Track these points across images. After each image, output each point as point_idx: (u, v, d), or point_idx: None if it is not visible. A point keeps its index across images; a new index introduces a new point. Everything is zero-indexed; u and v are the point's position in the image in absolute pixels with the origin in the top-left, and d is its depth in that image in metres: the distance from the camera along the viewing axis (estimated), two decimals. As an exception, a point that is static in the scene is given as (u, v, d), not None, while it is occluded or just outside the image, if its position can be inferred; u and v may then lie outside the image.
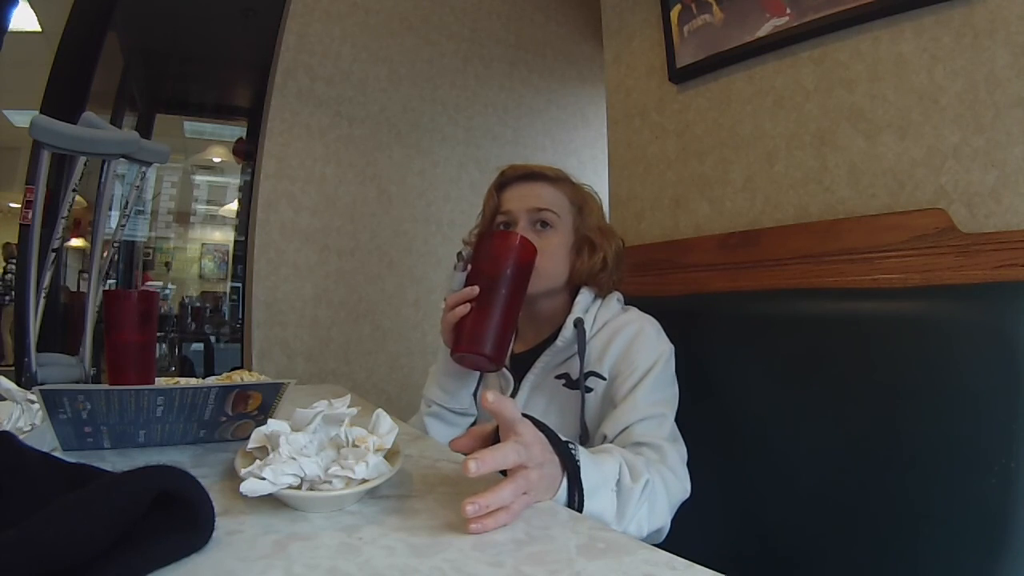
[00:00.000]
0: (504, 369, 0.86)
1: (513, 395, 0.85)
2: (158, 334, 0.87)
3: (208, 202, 4.93)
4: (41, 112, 1.55)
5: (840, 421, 0.77)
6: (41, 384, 0.56)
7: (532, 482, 0.48)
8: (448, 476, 0.57)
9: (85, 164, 1.02)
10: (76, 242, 3.91)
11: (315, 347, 2.02)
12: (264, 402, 0.63)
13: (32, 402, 0.61)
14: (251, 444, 0.50)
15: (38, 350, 0.99)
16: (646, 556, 0.40)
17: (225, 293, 4.94)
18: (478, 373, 0.87)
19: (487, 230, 0.89)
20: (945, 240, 0.80)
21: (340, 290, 2.08)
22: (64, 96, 2.16)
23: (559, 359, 0.83)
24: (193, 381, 0.65)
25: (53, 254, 1.04)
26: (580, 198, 0.89)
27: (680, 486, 0.70)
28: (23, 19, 2.93)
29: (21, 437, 0.44)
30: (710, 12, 1.21)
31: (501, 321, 0.75)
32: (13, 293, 5.05)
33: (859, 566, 0.72)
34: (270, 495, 0.44)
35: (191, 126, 4.51)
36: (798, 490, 0.79)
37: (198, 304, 4.71)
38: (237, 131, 3.87)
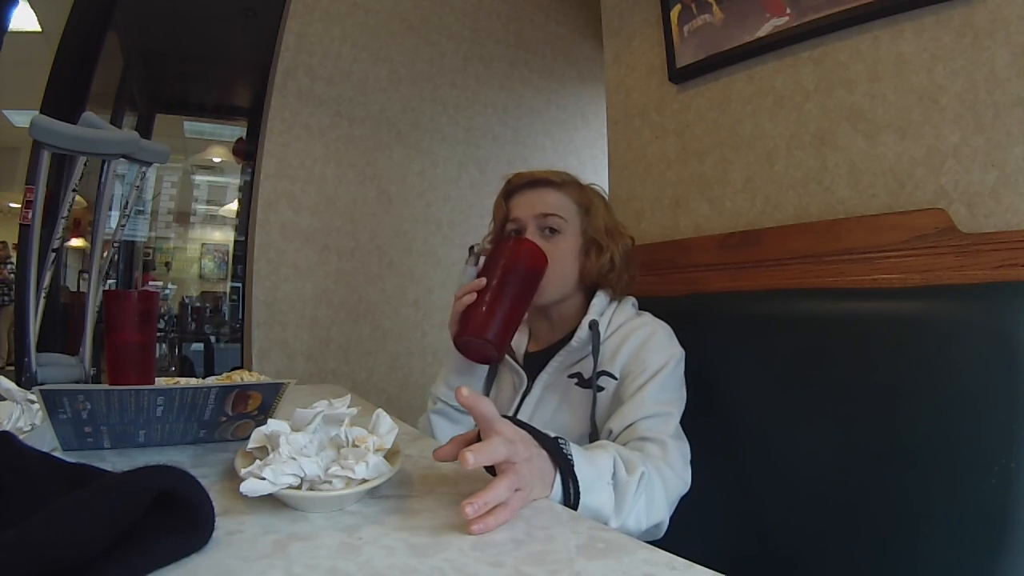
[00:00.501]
0: (518, 367, 0.89)
1: (527, 393, 0.87)
2: (158, 334, 0.87)
3: (208, 202, 4.93)
4: (41, 112, 1.55)
5: (840, 421, 0.77)
6: (41, 384, 0.56)
7: (523, 477, 0.48)
8: (448, 476, 0.57)
9: (85, 164, 1.02)
10: (76, 242, 3.91)
11: (315, 347, 2.02)
12: (264, 402, 0.63)
13: (32, 402, 0.61)
14: (251, 444, 0.50)
15: (38, 350, 0.99)
16: (646, 556, 0.40)
17: (225, 293, 4.94)
18: (484, 372, 0.89)
19: (499, 237, 0.91)
20: (945, 240, 0.80)
21: (340, 290, 2.08)
22: (64, 96, 2.16)
23: (573, 359, 0.85)
24: (193, 381, 0.65)
25: (53, 254, 1.04)
26: (586, 199, 0.90)
27: (678, 480, 0.70)
28: (23, 19, 2.93)
29: (21, 437, 0.44)
30: (710, 12, 1.21)
31: (506, 313, 0.77)
32: (12, 293, 5.05)
33: (859, 566, 0.72)
34: (270, 495, 0.44)
35: (191, 126, 4.51)
36: (798, 490, 0.79)
37: (198, 304, 4.72)
38: (237, 131, 3.86)
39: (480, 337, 0.75)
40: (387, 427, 0.52)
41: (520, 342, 0.93)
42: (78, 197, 1.07)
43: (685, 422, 0.77)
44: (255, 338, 1.92)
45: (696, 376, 0.82)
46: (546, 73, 2.68)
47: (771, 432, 0.83)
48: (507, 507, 0.45)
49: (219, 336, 4.20)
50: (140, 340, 0.71)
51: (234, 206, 4.67)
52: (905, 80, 0.93)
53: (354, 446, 0.50)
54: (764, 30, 1.11)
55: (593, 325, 0.83)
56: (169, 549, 0.36)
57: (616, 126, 1.48)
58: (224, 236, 5.12)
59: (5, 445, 0.41)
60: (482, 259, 0.85)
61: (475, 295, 0.79)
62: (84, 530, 0.32)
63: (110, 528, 0.33)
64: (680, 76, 1.28)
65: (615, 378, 0.80)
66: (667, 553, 0.40)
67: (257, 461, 0.46)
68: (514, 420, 0.54)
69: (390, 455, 0.51)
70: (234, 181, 4.68)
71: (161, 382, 0.72)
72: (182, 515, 0.37)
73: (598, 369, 0.81)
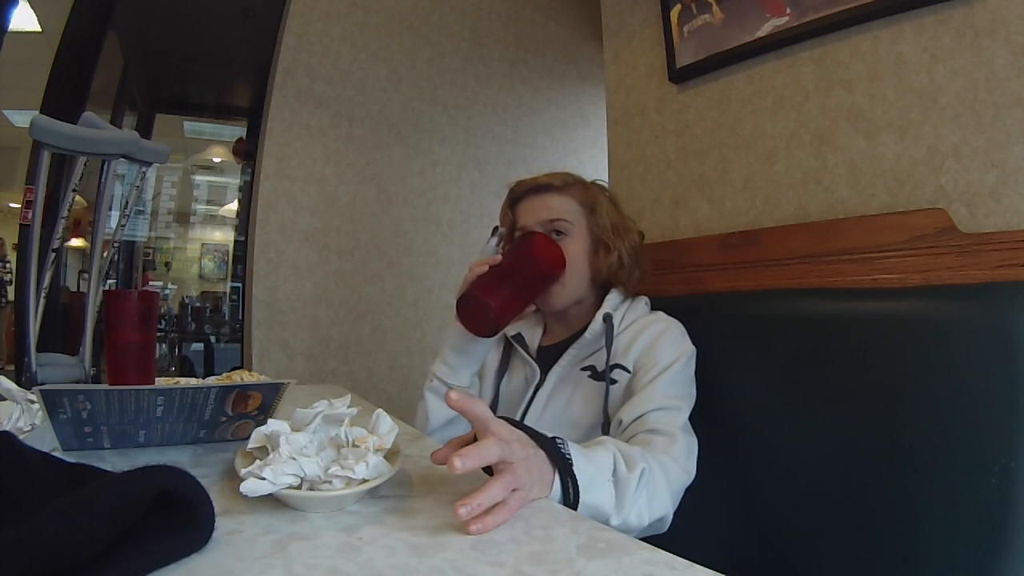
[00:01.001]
0: (531, 360, 0.91)
1: (540, 385, 0.88)
2: (158, 334, 0.87)
3: (208, 202, 4.93)
4: (41, 112, 1.55)
5: (840, 421, 0.77)
6: (41, 384, 0.56)
7: (520, 477, 0.48)
8: (448, 476, 0.57)
9: (85, 164, 1.02)
10: (76, 242, 3.91)
11: (315, 347, 2.02)
12: (264, 402, 0.63)
13: (32, 402, 0.61)
14: (251, 444, 0.50)
15: (38, 350, 0.99)
16: (646, 556, 0.40)
17: (225, 293, 4.94)
18: (481, 353, 0.90)
19: (525, 232, 0.91)
20: (945, 240, 0.80)
21: (340, 290, 2.08)
22: (64, 96, 2.16)
23: (586, 352, 0.86)
24: (193, 381, 0.65)
25: (53, 254, 1.04)
26: (591, 199, 0.90)
27: (681, 472, 0.70)
28: (23, 19, 2.92)
29: (21, 437, 0.44)
30: (710, 12, 1.21)
31: (513, 292, 0.79)
32: (6, 295, 5.05)
33: (859, 566, 0.72)
34: (270, 495, 0.44)
35: (191, 126, 4.51)
36: (798, 490, 0.79)
37: (198, 304, 4.72)
38: (237, 131, 3.86)
39: (483, 299, 0.76)
40: (387, 427, 0.52)
41: (534, 336, 0.94)
42: (78, 197, 1.07)
43: (685, 422, 0.77)
44: (255, 338, 1.92)
45: (697, 376, 0.82)
46: (546, 73, 2.68)
47: (771, 432, 0.83)
48: (505, 507, 0.45)
49: (219, 336, 4.20)
50: (140, 340, 0.71)
51: (234, 206, 4.67)
52: (905, 80, 0.93)
53: (354, 446, 0.50)
54: (764, 30, 1.11)
55: (607, 318, 0.84)
56: (169, 549, 0.36)
57: (616, 126, 1.48)
58: (224, 236, 5.12)
59: (5, 445, 0.41)
60: (502, 237, 0.91)
61: (487, 267, 0.81)
62: (84, 530, 0.32)
63: (110, 528, 0.33)
64: (680, 76, 1.28)
65: (628, 371, 0.81)
66: (667, 553, 0.40)
67: (257, 461, 0.46)
68: (510, 420, 0.53)
69: (390, 455, 0.51)
70: (234, 181, 4.68)
71: (161, 382, 0.72)
72: (182, 515, 0.37)
73: (611, 362, 0.82)
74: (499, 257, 0.83)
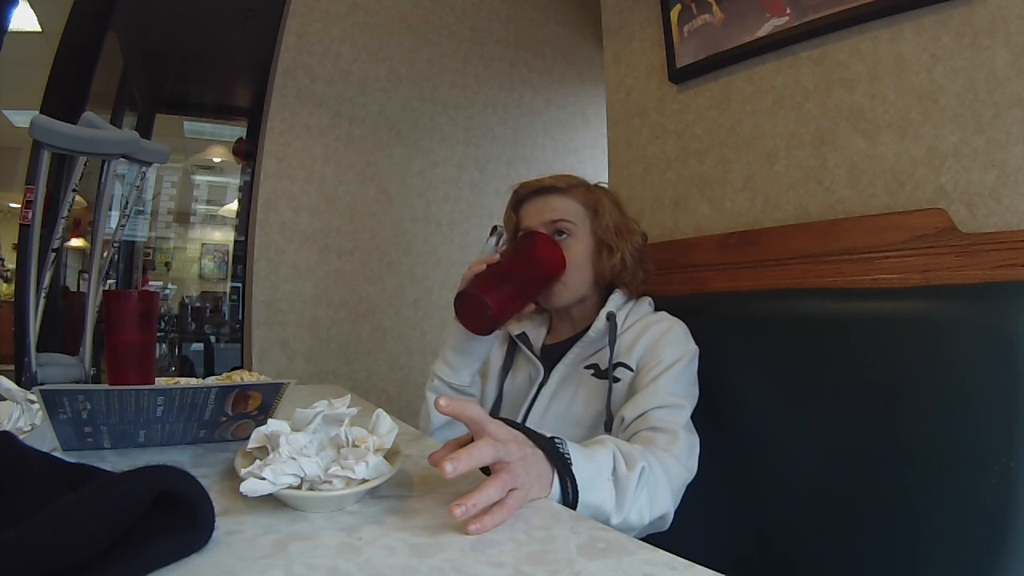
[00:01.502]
0: (535, 358, 0.91)
1: (543, 383, 0.89)
2: (158, 334, 0.87)
3: (208, 202, 4.94)
4: (41, 112, 1.55)
5: (840, 421, 0.77)
6: (41, 384, 0.56)
7: (518, 477, 0.48)
8: (448, 476, 0.57)
9: (85, 164, 1.03)
10: (76, 242, 3.91)
11: (315, 347, 2.02)
12: (264, 402, 0.63)
13: (32, 402, 0.61)
14: (251, 444, 0.50)
15: (38, 350, 0.99)
16: (646, 556, 0.40)
17: (225, 293, 4.94)
18: (482, 353, 0.91)
19: (527, 232, 0.92)
20: (945, 240, 0.80)
21: (340, 290, 2.08)
22: (64, 96, 2.16)
23: (590, 350, 0.87)
24: (193, 381, 0.65)
25: (53, 254, 1.04)
26: (594, 200, 0.91)
27: (682, 469, 0.71)
28: (23, 19, 2.93)
29: (21, 437, 0.44)
30: (710, 12, 1.21)
31: (511, 290, 0.80)
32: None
33: (859, 566, 0.72)
34: (270, 495, 0.44)
35: (191, 126, 4.51)
36: (798, 489, 0.79)
37: (198, 304, 4.72)
38: (237, 131, 3.87)
39: (480, 296, 0.77)
40: (387, 427, 0.52)
41: (538, 335, 0.95)
42: (78, 197, 1.07)
43: (686, 422, 0.77)
44: (255, 338, 1.92)
45: (697, 376, 0.82)
46: (546, 73, 2.68)
47: (771, 432, 0.83)
48: (504, 507, 0.45)
49: (219, 336, 4.21)
50: (140, 340, 0.71)
51: (234, 206, 4.67)
52: (905, 80, 0.93)
53: (354, 446, 0.50)
54: (764, 30, 1.11)
55: (611, 316, 0.85)
56: (169, 549, 0.36)
57: (616, 126, 1.48)
58: (224, 236, 5.12)
59: (5, 445, 0.40)
60: (503, 237, 0.91)
61: (485, 265, 0.82)
62: (84, 530, 0.31)
63: (110, 528, 0.33)
64: (680, 76, 1.28)
65: (631, 369, 0.82)
66: (667, 553, 0.40)
67: (257, 461, 0.46)
68: (507, 420, 0.53)
69: (390, 455, 0.51)
70: (234, 181, 4.68)
71: (161, 382, 0.72)
72: (182, 515, 0.37)
73: (615, 360, 0.82)
74: (497, 256, 0.84)
